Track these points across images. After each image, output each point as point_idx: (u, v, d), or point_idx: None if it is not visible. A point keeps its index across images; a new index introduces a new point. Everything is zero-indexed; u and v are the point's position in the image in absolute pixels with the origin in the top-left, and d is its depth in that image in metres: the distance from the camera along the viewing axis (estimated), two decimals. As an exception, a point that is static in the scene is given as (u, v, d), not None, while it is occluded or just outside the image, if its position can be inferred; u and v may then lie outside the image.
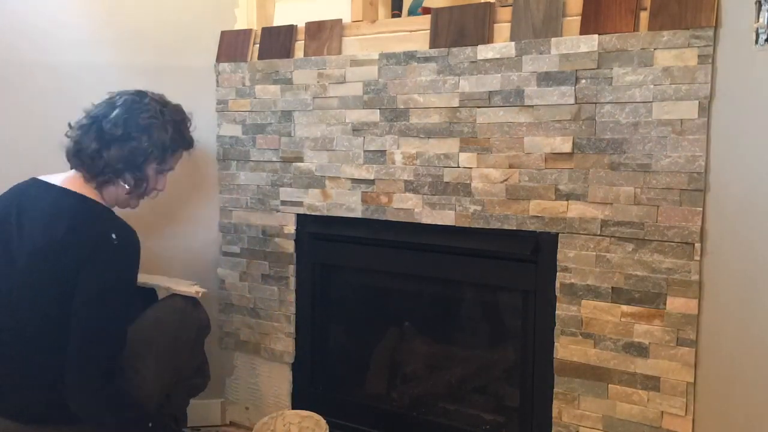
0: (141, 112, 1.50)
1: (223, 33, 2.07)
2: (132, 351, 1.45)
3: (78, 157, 1.48)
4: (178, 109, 1.63)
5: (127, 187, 1.54)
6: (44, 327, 1.38)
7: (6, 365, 1.40)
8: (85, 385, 1.36)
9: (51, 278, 1.37)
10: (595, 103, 1.50)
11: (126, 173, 1.51)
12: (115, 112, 1.46)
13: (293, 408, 2.02)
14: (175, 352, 1.61)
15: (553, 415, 1.61)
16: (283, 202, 1.98)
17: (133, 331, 1.48)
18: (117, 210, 1.59)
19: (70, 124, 1.55)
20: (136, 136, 1.49)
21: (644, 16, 1.46)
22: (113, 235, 1.40)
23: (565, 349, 1.58)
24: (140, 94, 1.55)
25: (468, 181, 1.67)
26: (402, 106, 1.75)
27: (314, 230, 1.94)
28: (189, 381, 1.77)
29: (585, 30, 1.51)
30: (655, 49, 1.43)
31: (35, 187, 1.49)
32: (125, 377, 1.46)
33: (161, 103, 1.58)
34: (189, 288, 1.74)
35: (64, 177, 1.53)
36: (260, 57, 1.99)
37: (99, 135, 1.45)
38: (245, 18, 2.09)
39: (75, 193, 1.47)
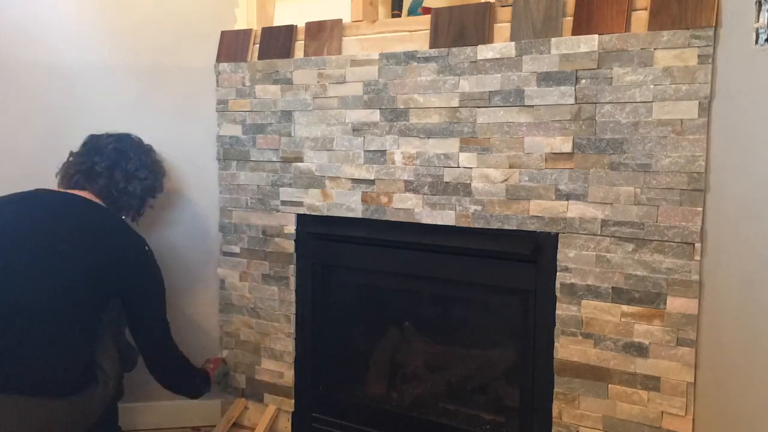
0: (149, 157, 1.87)
1: (223, 33, 2.06)
2: None
3: (105, 188, 1.76)
4: (154, 151, 1.93)
5: (132, 213, 1.88)
6: (69, 308, 1.55)
7: (25, 342, 1.49)
8: (170, 359, 1.80)
9: (86, 268, 1.58)
10: (595, 103, 1.50)
11: (141, 206, 1.88)
12: (132, 157, 1.82)
13: (294, 408, 2.02)
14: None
15: (554, 415, 1.61)
16: (283, 202, 1.98)
17: None
18: None
19: (72, 153, 1.82)
20: (151, 178, 1.86)
21: (644, 16, 1.46)
22: (146, 248, 1.73)
23: (565, 349, 1.58)
24: (137, 140, 1.88)
25: (468, 181, 1.67)
26: (402, 106, 1.75)
27: (314, 230, 1.94)
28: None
29: (577, 32, 1.51)
30: (655, 49, 1.43)
31: (62, 195, 1.74)
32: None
33: (150, 147, 1.91)
34: None
35: (77, 192, 1.75)
36: (260, 57, 1.98)
37: (125, 174, 1.79)
38: (245, 18, 2.09)
39: (97, 203, 1.75)
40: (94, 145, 1.80)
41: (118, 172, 1.77)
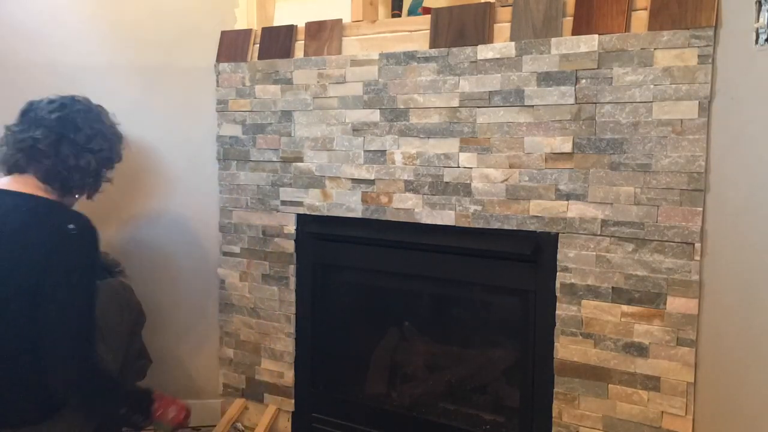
0: (101, 123, 1.59)
1: (223, 33, 2.06)
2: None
3: (52, 169, 1.50)
4: (107, 113, 1.66)
5: (87, 191, 1.62)
6: (14, 326, 1.38)
7: None
8: (72, 364, 1.40)
9: (16, 277, 1.38)
10: (595, 103, 1.50)
11: (97, 182, 1.62)
12: (81, 126, 1.54)
13: (294, 408, 2.02)
14: (118, 335, 1.63)
15: (554, 415, 1.61)
16: (283, 202, 1.98)
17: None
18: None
19: (9, 128, 1.54)
20: (107, 147, 1.59)
21: (644, 16, 1.46)
22: (70, 226, 1.43)
23: (565, 349, 1.58)
24: (84, 103, 1.60)
25: (468, 181, 1.67)
26: (402, 106, 1.75)
27: (314, 230, 1.94)
28: (134, 364, 1.77)
29: (577, 32, 1.51)
30: (655, 49, 1.43)
31: None
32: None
33: (101, 110, 1.64)
34: None
35: (14, 181, 1.49)
36: (260, 57, 1.98)
37: (75, 149, 1.52)
38: (245, 18, 2.09)
39: (27, 194, 1.48)
40: (34, 116, 1.51)
41: (66, 146, 1.49)
